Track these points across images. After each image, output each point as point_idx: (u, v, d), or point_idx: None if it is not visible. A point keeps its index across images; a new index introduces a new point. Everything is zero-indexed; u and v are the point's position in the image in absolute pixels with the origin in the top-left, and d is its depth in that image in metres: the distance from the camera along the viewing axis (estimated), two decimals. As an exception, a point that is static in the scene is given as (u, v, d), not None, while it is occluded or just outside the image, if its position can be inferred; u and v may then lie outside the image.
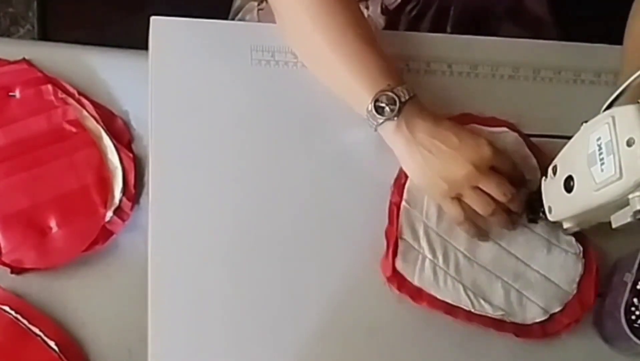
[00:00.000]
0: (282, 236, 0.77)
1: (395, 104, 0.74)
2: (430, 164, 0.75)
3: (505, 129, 0.82)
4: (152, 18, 0.81)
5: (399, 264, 0.76)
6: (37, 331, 0.79)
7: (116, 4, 1.29)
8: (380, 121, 0.75)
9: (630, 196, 0.64)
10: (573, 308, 0.78)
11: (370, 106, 0.74)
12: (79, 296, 0.82)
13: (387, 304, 0.76)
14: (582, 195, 0.69)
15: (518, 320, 0.77)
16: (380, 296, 0.76)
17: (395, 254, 0.76)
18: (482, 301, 0.76)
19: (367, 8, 0.96)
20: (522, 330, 0.77)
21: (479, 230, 0.77)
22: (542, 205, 0.77)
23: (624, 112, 0.65)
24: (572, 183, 0.70)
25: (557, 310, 0.78)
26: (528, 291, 0.77)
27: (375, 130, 0.76)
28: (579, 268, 0.79)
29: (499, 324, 0.77)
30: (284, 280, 0.76)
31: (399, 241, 0.76)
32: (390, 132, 0.76)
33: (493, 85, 0.86)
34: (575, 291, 0.78)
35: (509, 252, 0.78)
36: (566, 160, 0.72)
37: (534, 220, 0.79)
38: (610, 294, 0.78)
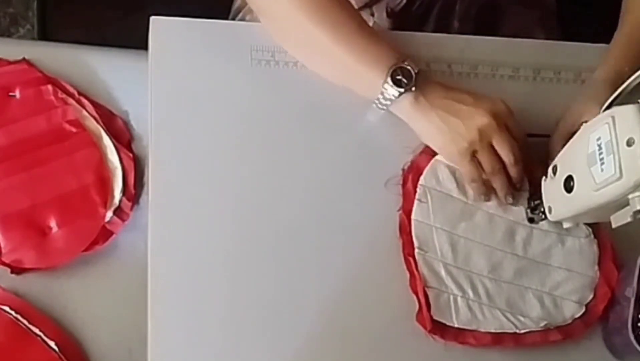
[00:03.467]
0: (282, 237, 0.77)
1: (411, 75, 0.75)
2: (448, 123, 0.76)
3: None
4: (152, 18, 0.81)
5: (435, 313, 0.75)
6: (37, 331, 0.79)
7: (116, 4, 1.29)
8: (397, 95, 0.75)
9: (630, 196, 0.64)
10: (602, 290, 0.78)
11: (389, 81, 0.75)
12: (79, 296, 0.82)
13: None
14: (582, 195, 0.69)
15: (560, 323, 0.77)
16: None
17: (428, 306, 0.75)
18: (521, 318, 0.76)
19: (373, 15, 0.96)
20: (566, 331, 0.77)
21: (487, 190, 0.78)
22: (542, 205, 0.77)
23: (624, 112, 0.65)
24: (572, 183, 0.70)
25: (590, 298, 0.78)
26: (558, 291, 0.78)
27: (386, 109, 0.77)
28: (595, 249, 0.80)
29: (544, 335, 0.77)
30: (285, 281, 0.75)
31: (427, 290, 0.75)
32: (408, 104, 0.77)
33: (493, 85, 0.86)
34: (598, 274, 0.79)
35: (527, 259, 0.78)
36: (566, 160, 0.72)
37: (533, 220, 0.79)
38: (613, 309, 0.78)
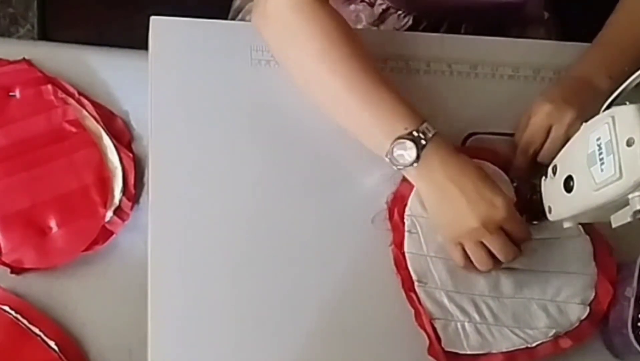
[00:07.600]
0: (282, 237, 0.77)
1: (425, 139, 0.72)
2: (445, 207, 0.74)
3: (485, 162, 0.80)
4: (152, 18, 0.81)
5: (446, 344, 0.74)
6: (37, 331, 0.79)
7: (116, 4, 1.29)
8: (409, 158, 0.72)
9: (630, 196, 0.64)
10: (603, 286, 0.78)
11: (396, 146, 0.72)
12: (79, 296, 0.82)
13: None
14: (582, 195, 0.69)
15: (567, 328, 0.77)
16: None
17: (438, 338, 0.75)
18: (530, 332, 0.76)
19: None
20: (576, 335, 0.77)
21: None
22: (542, 205, 0.77)
23: (624, 112, 0.64)
24: (572, 183, 0.70)
25: (592, 297, 0.78)
26: (561, 296, 0.77)
27: (398, 169, 0.74)
28: (589, 245, 0.79)
29: (556, 344, 0.76)
30: (284, 281, 0.75)
31: (434, 322, 0.75)
32: (415, 170, 0.74)
33: (493, 85, 0.86)
34: (596, 270, 0.78)
35: (524, 270, 0.78)
36: (566, 160, 0.72)
37: (532, 219, 0.79)
38: (613, 309, 0.78)
